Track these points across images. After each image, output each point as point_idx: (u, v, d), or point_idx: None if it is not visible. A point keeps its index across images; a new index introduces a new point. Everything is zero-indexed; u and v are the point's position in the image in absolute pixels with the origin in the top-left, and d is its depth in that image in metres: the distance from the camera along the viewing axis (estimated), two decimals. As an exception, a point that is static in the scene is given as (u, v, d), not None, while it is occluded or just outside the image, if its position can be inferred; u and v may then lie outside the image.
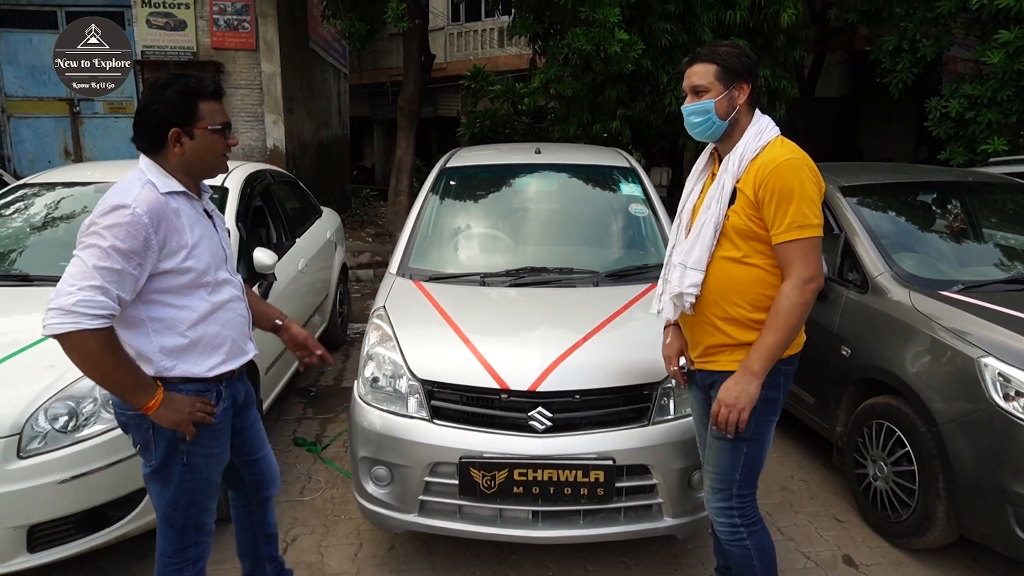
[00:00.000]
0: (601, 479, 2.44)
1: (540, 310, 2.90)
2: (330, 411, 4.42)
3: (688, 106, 2.06)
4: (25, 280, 3.27)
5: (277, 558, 2.50)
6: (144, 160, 1.87)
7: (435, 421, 2.56)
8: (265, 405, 3.61)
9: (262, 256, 3.63)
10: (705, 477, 2.20)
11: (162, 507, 1.98)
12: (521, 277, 3.12)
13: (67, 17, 9.64)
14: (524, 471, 2.45)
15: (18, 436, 2.34)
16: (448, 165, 3.90)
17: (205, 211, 1.98)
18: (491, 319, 2.86)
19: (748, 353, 1.98)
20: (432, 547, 2.95)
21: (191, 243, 1.84)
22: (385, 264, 3.77)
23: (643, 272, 3.16)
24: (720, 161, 2.09)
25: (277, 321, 2.28)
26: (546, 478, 2.45)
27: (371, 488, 2.66)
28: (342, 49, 14.87)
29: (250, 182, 4.17)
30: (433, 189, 3.70)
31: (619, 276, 3.16)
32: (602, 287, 3.06)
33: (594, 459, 2.45)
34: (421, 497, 2.57)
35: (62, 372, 2.49)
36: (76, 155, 9.93)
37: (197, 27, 9.71)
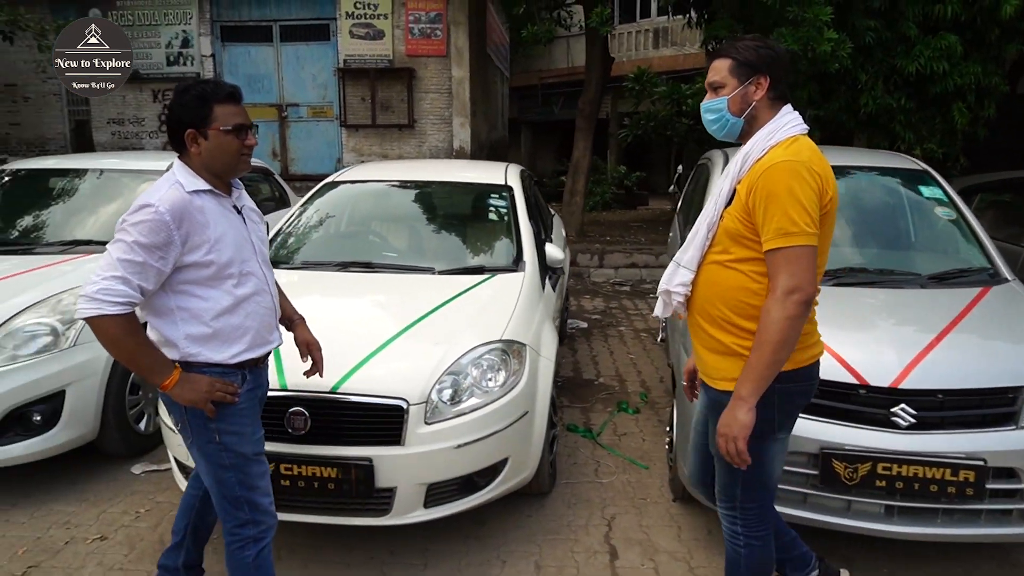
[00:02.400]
0: (972, 479, 2.45)
1: (877, 308, 2.94)
2: (584, 400, 4.63)
3: (703, 103, 2.00)
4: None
5: (200, 550, 2.49)
6: (176, 162, 2.02)
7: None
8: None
9: (553, 251, 3.88)
10: (716, 480, 2.16)
11: (212, 484, 2.10)
12: (839, 277, 3.16)
13: (281, 31, 10.58)
14: (888, 466, 2.51)
15: (425, 404, 2.64)
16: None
17: (235, 207, 2.09)
18: (829, 314, 2.91)
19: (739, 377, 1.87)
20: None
21: (213, 238, 1.96)
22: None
23: (965, 275, 3.12)
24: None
25: (293, 318, 2.42)
26: (911, 474, 2.50)
27: (714, 473, 2.79)
28: (505, 53, 15.35)
29: (524, 179, 4.45)
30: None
31: (940, 279, 3.13)
32: (929, 289, 3.06)
33: (964, 459, 2.47)
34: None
35: (447, 349, 2.80)
36: (282, 156, 10.84)
37: (394, 36, 10.35)
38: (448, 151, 10.55)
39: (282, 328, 2.35)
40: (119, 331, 1.88)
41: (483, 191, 4.20)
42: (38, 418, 3.25)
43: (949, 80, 7.85)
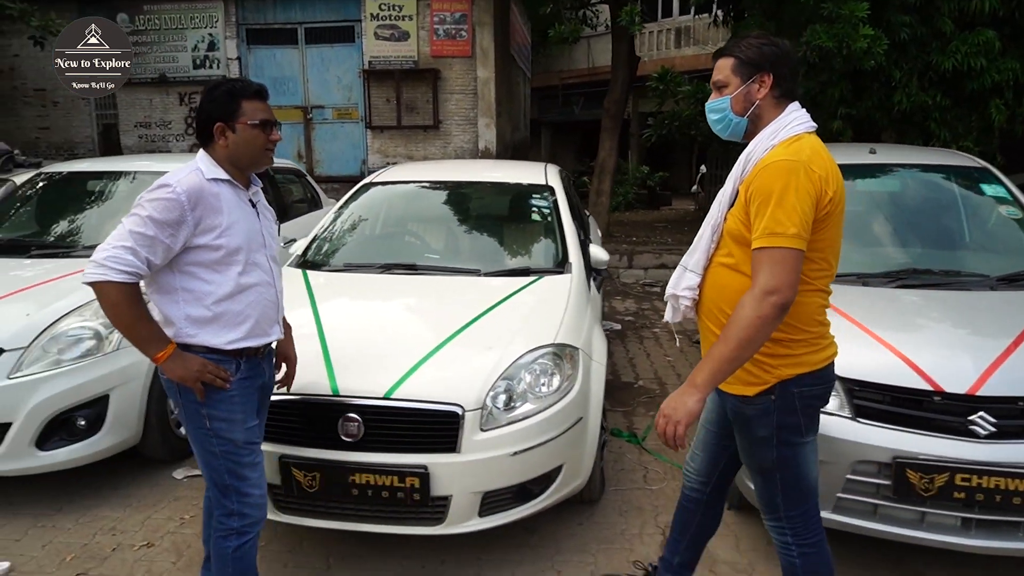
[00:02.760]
0: (1057, 490, 2.34)
1: (947, 311, 2.83)
2: (625, 404, 4.54)
3: (708, 103, 1.97)
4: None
5: None
6: (200, 152, 2.11)
7: (858, 419, 2.56)
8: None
9: (598, 252, 3.81)
10: (757, 498, 2.11)
11: (203, 470, 2.17)
12: (902, 279, 3.05)
13: (306, 33, 10.58)
14: (968, 476, 2.39)
15: (480, 410, 2.57)
16: None
17: (251, 201, 2.16)
18: (895, 317, 2.82)
19: (698, 364, 1.84)
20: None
21: (225, 224, 2.03)
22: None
23: (1035, 276, 3.01)
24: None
25: (285, 329, 2.39)
26: (991, 486, 2.38)
27: (778, 482, 2.69)
28: (527, 53, 15.28)
29: (564, 179, 4.37)
30: None
31: (1011, 280, 3.02)
32: (999, 291, 2.94)
33: (1049, 469, 2.35)
34: (839, 494, 2.58)
35: (501, 353, 2.73)
36: (307, 158, 10.84)
37: (418, 37, 10.31)
38: (473, 152, 10.50)
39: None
40: (120, 298, 1.95)
41: (524, 191, 4.13)
42: (82, 423, 3.21)
43: (986, 76, 7.66)
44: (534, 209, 4.00)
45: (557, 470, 2.76)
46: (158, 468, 3.58)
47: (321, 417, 2.55)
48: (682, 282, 2.02)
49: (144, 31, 10.49)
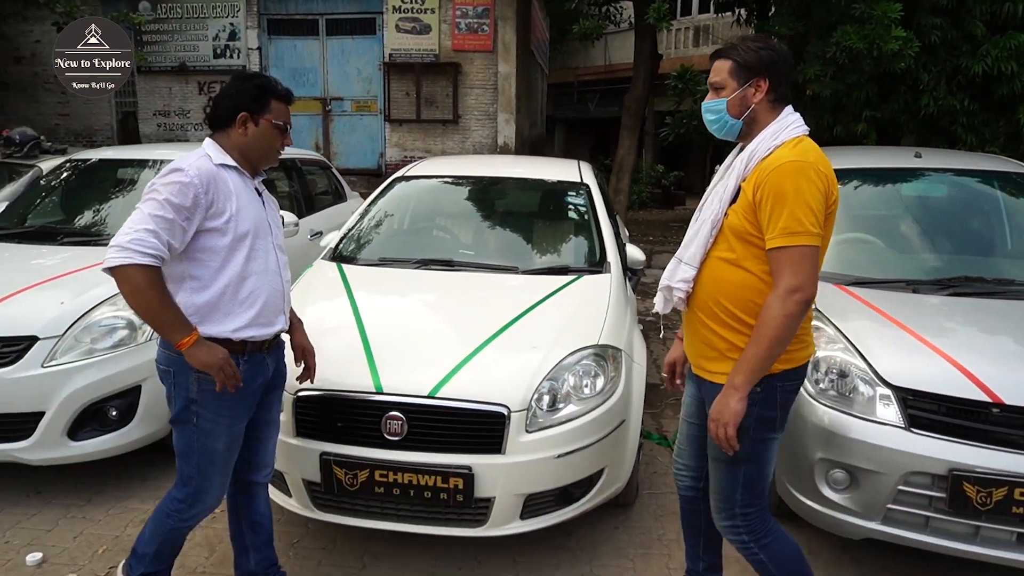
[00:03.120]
0: (1121, 507, 2.27)
1: (1003, 320, 2.76)
2: (653, 406, 4.47)
3: (704, 103, 2.01)
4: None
5: (264, 551, 2.45)
6: (208, 140, 2.13)
7: (912, 429, 2.50)
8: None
9: (635, 252, 3.76)
10: (710, 495, 2.13)
11: (177, 458, 2.17)
12: (953, 286, 2.99)
13: (327, 24, 10.54)
14: (1028, 491, 2.33)
15: (526, 411, 2.52)
16: None
17: (256, 190, 2.18)
18: (949, 326, 2.76)
19: (733, 367, 1.90)
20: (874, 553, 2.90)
21: (235, 207, 2.05)
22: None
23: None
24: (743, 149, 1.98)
25: (292, 321, 2.39)
26: (1052, 500, 2.32)
27: (826, 491, 2.64)
28: (546, 49, 15.19)
29: (598, 177, 4.32)
30: None
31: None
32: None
33: (1112, 485, 2.29)
34: (889, 505, 2.52)
35: (545, 353, 2.68)
36: (325, 150, 10.80)
37: (440, 31, 10.25)
38: (492, 147, 10.44)
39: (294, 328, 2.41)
40: (144, 282, 1.93)
41: (560, 188, 4.07)
42: (114, 413, 3.18)
43: (1016, 81, 7.54)
44: (570, 207, 3.95)
45: (599, 473, 2.71)
46: (187, 460, 3.55)
47: (364, 415, 2.51)
48: (677, 274, 2.04)
49: (166, 19, 10.47)
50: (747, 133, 1.97)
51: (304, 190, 5.24)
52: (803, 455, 2.71)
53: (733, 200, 1.95)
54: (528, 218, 3.98)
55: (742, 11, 10.95)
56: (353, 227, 3.81)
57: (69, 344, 3.11)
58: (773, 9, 8.72)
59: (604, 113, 21.36)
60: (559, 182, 4.10)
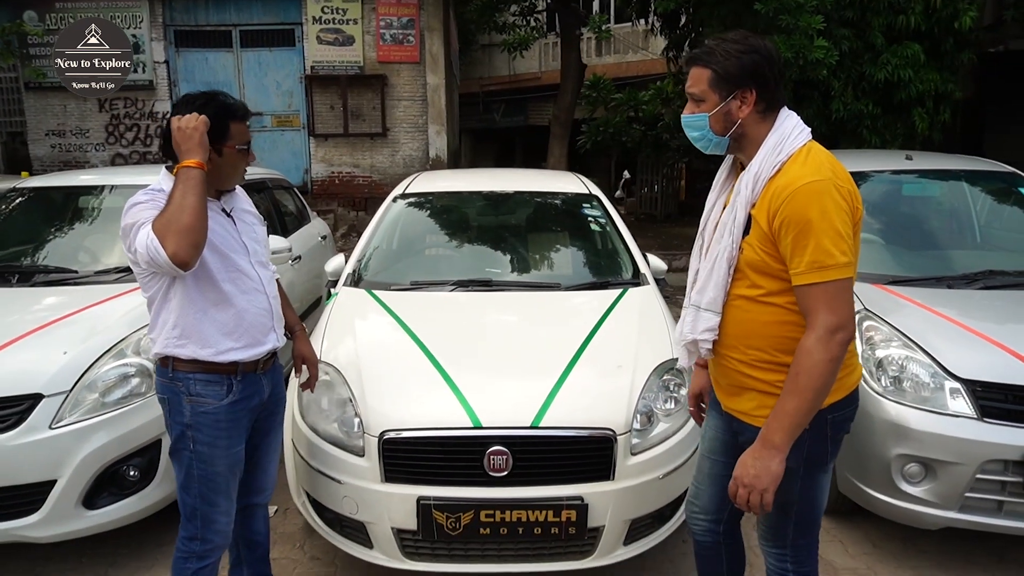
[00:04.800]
0: None
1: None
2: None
3: (684, 116, 1.77)
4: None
5: (259, 567, 2.45)
6: (164, 173, 2.04)
7: (985, 419, 2.63)
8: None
9: (657, 262, 3.75)
10: (757, 524, 1.95)
11: (178, 489, 2.14)
12: (981, 280, 3.18)
13: (241, 36, 9.98)
14: (1097, 468, 2.51)
15: (629, 433, 2.44)
16: None
17: (223, 211, 2.12)
18: (996, 317, 2.92)
19: (767, 421, 1.65)
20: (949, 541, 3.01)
21: None
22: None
23: None
24: (744, 169, 1.74)
25: (294, 328, 2.42)
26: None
27: (903, 485, 2.73)
28: (457, 60, 15.11)
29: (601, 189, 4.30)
30: None
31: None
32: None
33: None
34: (967, 494, 2.64)
35: (633, 372, 2.61)
36: (244, 168, 10.19)
37: (364, 42, 9.96)
38: (423, 160, 10.25)
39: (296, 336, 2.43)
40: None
41: (574, 201, 4.02)
42: (134, 474, 2.81)
43: (912, 87, 8.25)
44: (589, 219, 3.90)
45: (687, 490, 2.67)
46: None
47: (463, 452, 2.34)
48: (700, 324, 1.81)
49: (56, 31, 9.52)
50: (737, 147, 1.76)
51: (277, 212, 4.90)
52: (876, 452, 2.79)
53: (745, 231, 1.71)
54: (550, 232, 3.90)
55: (656, 21, 11.34)
56: (366, 251, 3.58)
57: (76, 399, 2.72)
58: (683, 19, 9.07)
59: (509, 123, 21.54)
60: (571, 195, 4.04)
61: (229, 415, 2.07)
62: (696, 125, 1.75)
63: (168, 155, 2.00)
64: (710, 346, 1.83)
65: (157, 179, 2.05)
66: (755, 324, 1.73)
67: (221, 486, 2.11)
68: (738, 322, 1.76)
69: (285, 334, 2.33)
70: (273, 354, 2.22)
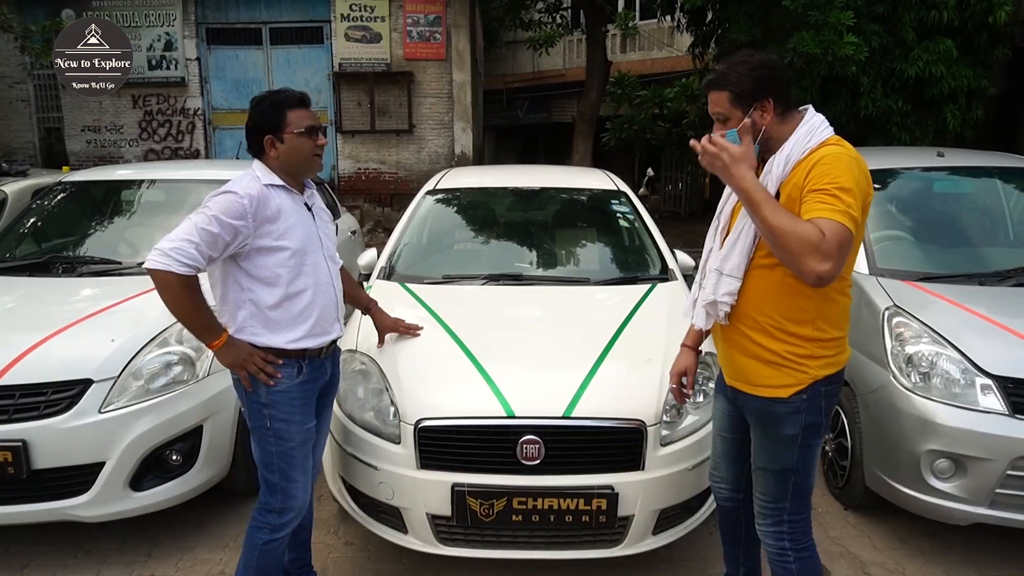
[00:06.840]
0: None
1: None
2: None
3: (714, 136, 1.90)
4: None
5: (299, 550, 2.57)
6: (256, 162, 2.23)
7: (1016, 416, 2.63)
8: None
9: (685, 257, 3.78)
10: (755, 501, 2.12)
11: (258, 464, 2.27)
12: (1014, 277, 3.17)
13: (271, 33, 10.13)
14: None
15: (659, 424, 2.49)
16: None
17: (306, 205, 2.28)
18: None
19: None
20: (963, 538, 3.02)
21: (284, 227, 2.16)
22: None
23: None
24: (764, 162, 1.93)
25: (369, 305, 2.74)
26: None
27: (933, 481, 2.74)
28: (482, 57, 15.17)
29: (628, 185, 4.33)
30: None
31: None
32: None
33: None
34: (997, 490, 2.64)
35: (663, 365, 2.65)
36: (273, 164, 10.36)
37: (391, 39, 10.05)
38: (449, 157, 10.33)
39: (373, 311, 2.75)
40: (180, 288, 2.04)
41: (602, 197, 4.06)
42: (176, 458, 2.92)
43: (944, 83, 8.14)
44: (618, 215, 3.94)
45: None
46: (243, 501, 3.30)
47: (497, 441, 2.41)
48: (721, 287, 1.96)
49: (92, 29, 9.75)
50: (767, 149, 1.92)
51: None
52: (905, 447, 2.80)
53: None
54: (579, 228, 3.95)
55: (682, 18, 11.29)
56: (398, 245, 3.66)
57: (123, 386, 2.83)
58: (710, 16, 9.03)
59: (533, 120, 21.56)
60: (599, 191, 4.08)
61: (301, 393, 2.23)
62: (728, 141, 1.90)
63: (253, 154, 2.23)
64: (728, 309, 1.98)
65: (251, 168, 2.21)
66: (769, 292, 1.91)
67: (297, 461, 2.25)
68: (754, 290, 1.93)
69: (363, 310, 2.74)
70: (334, 341, 2.37)
